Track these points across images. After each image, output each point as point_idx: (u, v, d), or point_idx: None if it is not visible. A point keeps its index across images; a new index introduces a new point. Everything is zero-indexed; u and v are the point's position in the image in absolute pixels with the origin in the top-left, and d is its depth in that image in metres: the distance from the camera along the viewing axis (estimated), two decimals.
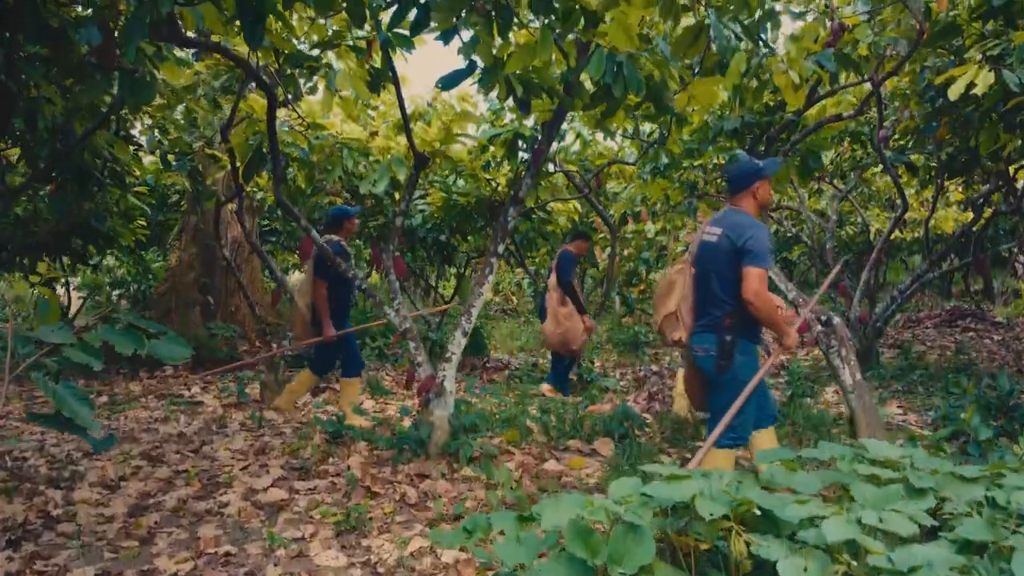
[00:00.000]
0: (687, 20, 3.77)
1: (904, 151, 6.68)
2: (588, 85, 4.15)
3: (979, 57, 4.82)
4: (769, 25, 4.38)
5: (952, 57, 5.33)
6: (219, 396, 6.65)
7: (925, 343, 8.97)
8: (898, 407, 5.61)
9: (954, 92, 4.36)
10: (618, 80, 3.57)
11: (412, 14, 3.76)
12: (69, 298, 13.78)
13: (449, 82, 4.18)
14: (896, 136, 6.73)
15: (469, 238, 8.16)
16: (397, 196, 6.75)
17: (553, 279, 6.41)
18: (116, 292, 15.99)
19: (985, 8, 4.90)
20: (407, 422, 4.68)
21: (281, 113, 5.79)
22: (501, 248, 4.48)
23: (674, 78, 3.76)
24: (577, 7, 3.32)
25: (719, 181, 6.94)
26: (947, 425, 4.73)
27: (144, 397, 6.74)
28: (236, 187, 5.35)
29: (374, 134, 6.42)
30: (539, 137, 5.02)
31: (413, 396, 4.75)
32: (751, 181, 3.27)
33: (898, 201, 7.47)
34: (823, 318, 4.69)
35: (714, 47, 3.68)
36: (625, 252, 8.90)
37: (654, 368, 6.91)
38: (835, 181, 9.14)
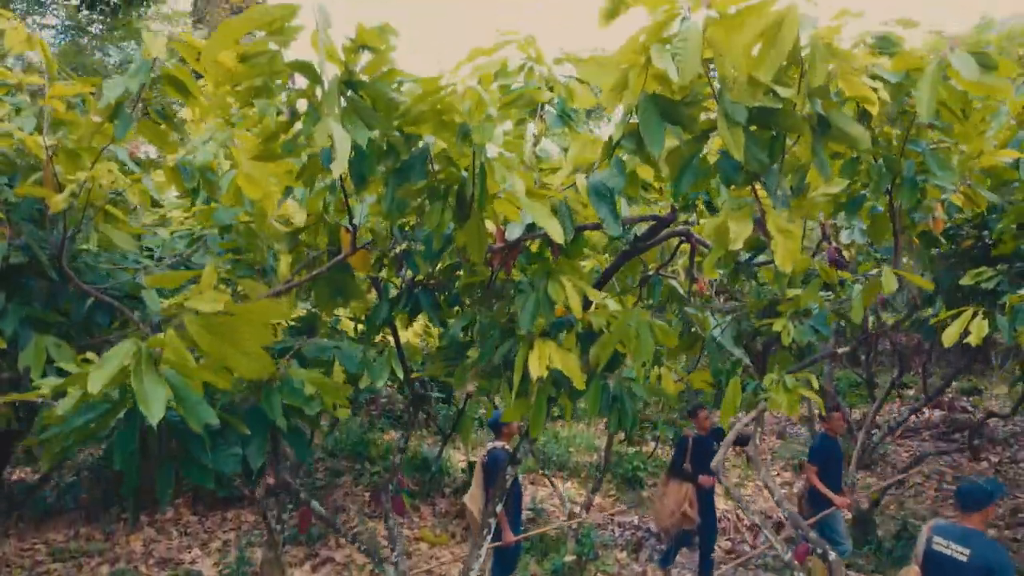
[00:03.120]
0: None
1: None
2: None
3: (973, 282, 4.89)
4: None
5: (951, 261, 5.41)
6: (219, 562, 6.68)
7: (923, 469, 8.96)
8: None
9: (948, 340, 4.35)
10: (613, 412, 3.59)
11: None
12: None
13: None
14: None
15: None
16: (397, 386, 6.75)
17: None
18: None
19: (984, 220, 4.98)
20: None
21: None
22: (500, 508, 4.51)
23: (673, 394, 3.78)
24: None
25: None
26: None
27: (145, 562, 6.79)
28: None
29: None
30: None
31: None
32: (986, 504, 3.68)
33: None
34: (819, 551, 4.75)
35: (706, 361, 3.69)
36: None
37: (653, 528, 6.94)
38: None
